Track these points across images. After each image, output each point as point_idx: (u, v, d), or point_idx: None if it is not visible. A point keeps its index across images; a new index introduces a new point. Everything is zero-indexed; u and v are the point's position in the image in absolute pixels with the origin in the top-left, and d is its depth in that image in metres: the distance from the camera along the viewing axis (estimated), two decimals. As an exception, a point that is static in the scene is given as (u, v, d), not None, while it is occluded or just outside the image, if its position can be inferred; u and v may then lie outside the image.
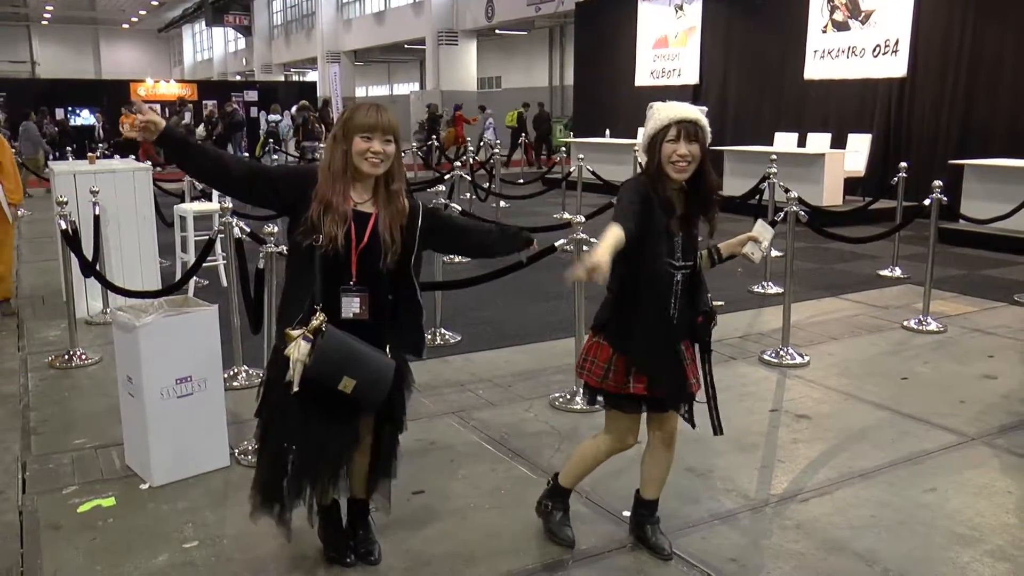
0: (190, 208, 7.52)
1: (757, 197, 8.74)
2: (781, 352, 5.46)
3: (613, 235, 2.58)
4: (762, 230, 3.01)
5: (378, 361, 2.76)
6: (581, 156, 11.35)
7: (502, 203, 12.14)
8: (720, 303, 6.95)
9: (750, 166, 11.89)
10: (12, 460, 4.12)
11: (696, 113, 2.84)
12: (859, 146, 12.07)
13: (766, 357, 5.47)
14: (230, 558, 3.17)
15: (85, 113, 21.48)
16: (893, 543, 3.24)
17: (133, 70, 41.98)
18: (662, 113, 2.83)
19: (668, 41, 16.69)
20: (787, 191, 5.74)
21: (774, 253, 8.73)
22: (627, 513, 3.47)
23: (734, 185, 11.96)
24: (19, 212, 6.79)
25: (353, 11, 35.78)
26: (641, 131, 3.01)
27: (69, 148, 13.01)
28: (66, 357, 5.53)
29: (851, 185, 11.85)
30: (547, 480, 3.42)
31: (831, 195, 11.28)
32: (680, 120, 2.78)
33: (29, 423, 4.59)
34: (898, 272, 8.04)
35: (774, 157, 8.72)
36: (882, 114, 12.50)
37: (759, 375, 5.24)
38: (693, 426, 3.10)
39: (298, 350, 2.65)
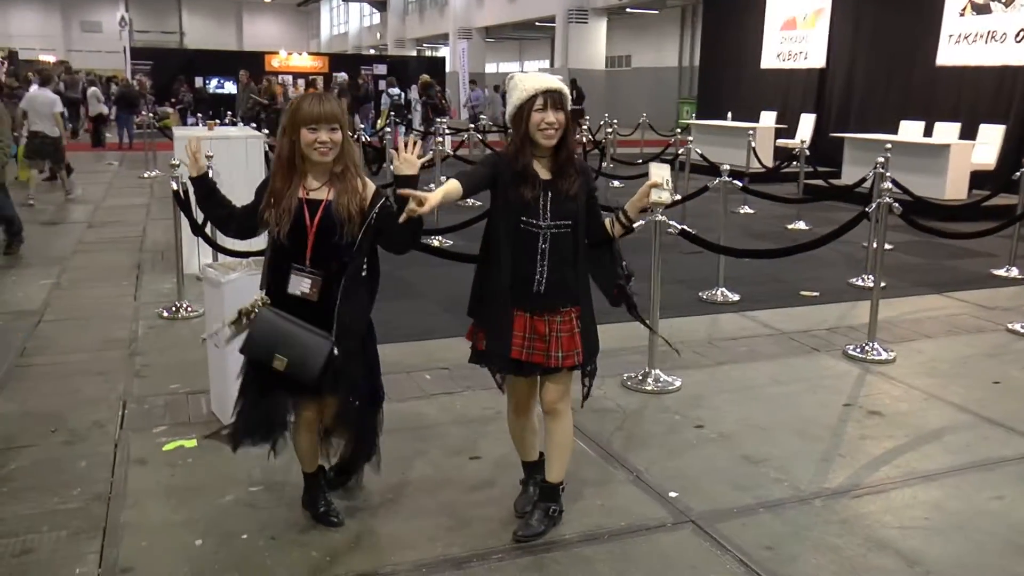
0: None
1: (870, 188, 8.39)
2: (866, 347, 5.29)
3: (449, 184, 2.86)
4: (657, 170, 2.98)
5: (310, 340, 2.85)
6: (691, 138, 11.21)
7: (615, 183, 12.05)
8: (815, 294, 6.81)
9: (871, 155, 11.37)
10: (116, 398, 4.51)
11: (559, 83, 2.93)
12: (991, 137, 11.36)
13: (850, 351, 5.31)
14: (290, 504, 3.38)
15: (228, 84, 22.63)
16: (943, 547, 3.14)
17: (272, 43, 43.69)
18: (527, 83, 2.91)
19: (796, 23, 16.12)
20: (885, 181, 5.51)
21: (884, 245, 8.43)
22: (674, 494, 3.52)
23: (853, 174, 11.50)
24: None
25: (487, -13, 36.03)
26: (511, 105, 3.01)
27: (199, 115, 13.77)
28: (174, 308, 5.96)
29: (979, 179, 11.18)
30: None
31: (955, 188, 10.68)
32: (546, 90, 2.88)
33: (134, 367, 5.00)
34: (1015, 272, 7.56)
35: (889, 146, 8.35)
36: (1020, 104, 11.71)
37: (840, 369, 5.10)
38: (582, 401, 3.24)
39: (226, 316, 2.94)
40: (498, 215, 3.00)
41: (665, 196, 3.00)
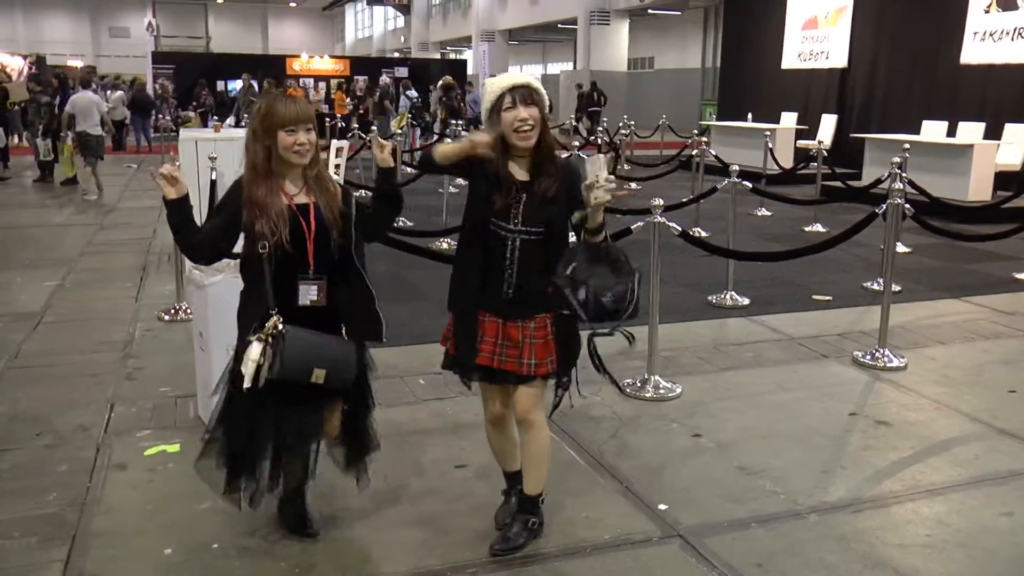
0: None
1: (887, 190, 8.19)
2: (876, 353, 5.10)
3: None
4: (591, 168, 2.66)
5: (340, 345, 2.87)
6: (705, 140, 11.02)
7: (633, 184, 11.88)
8: (828, 298, 6.62)
9: (893, 155, 11.13)
10: (104, 401, 4.45)
11: (528, 78, 2.77)
12: (1016, 137, 11.04)
13: (859, 358, 5.13)
14: (266, 513, 3.27)
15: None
16: (943, 565, 2.98)
17: (297, 47, 43.97)
18: (493, 85, 2.79)
19: (818, 22, 15.85)
20: (898, 181, 5.33)
21: (901, 248, 8.22)
22: (663, 506, 3.38)
23: (875, 175, 11.24)
24: None
25: (509, -10, 36.01)
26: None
27: (215, 117, 13.81)
28: (173, 311, 5.90)
29: (1005, 180, 10.86)
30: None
31: (978, 190, 10.39)
32: (513, 87, 2.73)
33: (127, 369, 4.94)
34: (1038, 276, 7.33)
35: (907, 146, 8.13)
36: (1048, 103, 11.39)
37: (848, 376, 4.92)
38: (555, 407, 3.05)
39: (251, 350, 2.73)
40: (471, 211, 2.88)
41: (602, 195, 2.64)
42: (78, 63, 32.60)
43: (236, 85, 20.38)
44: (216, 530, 3.18)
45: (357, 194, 3.18)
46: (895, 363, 5.03)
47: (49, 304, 6.32)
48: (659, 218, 4.55)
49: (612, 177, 2.66)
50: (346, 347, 2.89)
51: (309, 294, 2.86)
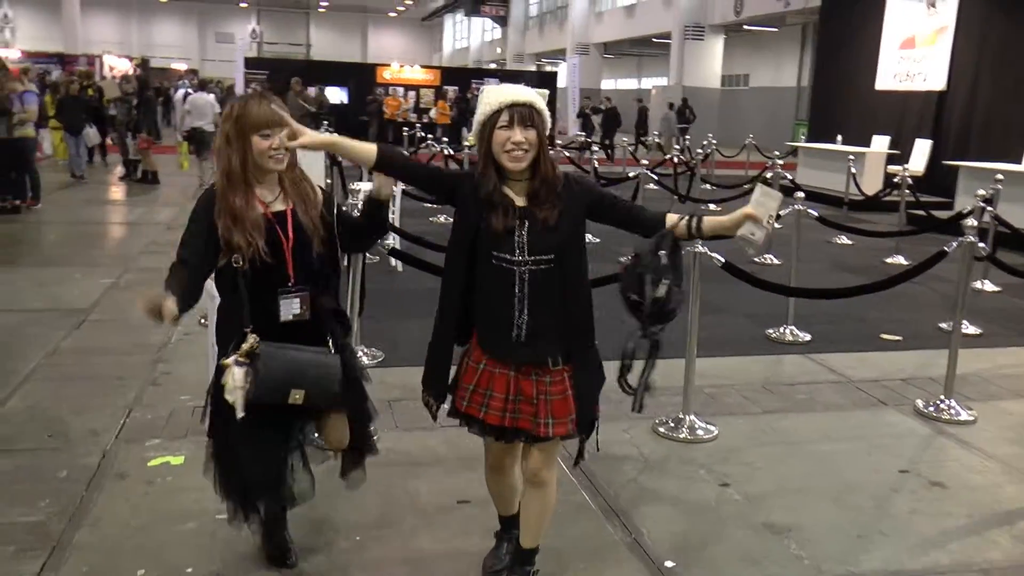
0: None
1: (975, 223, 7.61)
2: (941, 403, 4.65)
3: (366, 145, 2.62)
4: (764, 200, 2.32)
5: (318, 362, 2.67)
6: (781, 161, 10.50)
7: (711, 206, 11.47)
8: (897, 338, 6.14)
9: (986, 185, 10.42)
10: (123, 406, 4.41)
11: (531, 96, 2.48)
12: None
13: (922, 407, 4.69)
14: (249, 538, 3.12)
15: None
16: (981, 662, 2.60)
17: (396, 56, 44.70)
18: (492, 96, 2.48)
19: (916, 42, 15.05)
20: (984, 215, 4.87)
21: (989, 287, 7.64)
22: (670, 564, 3.09)
23: (967, 205, 10.56)
24: None
25: (605, 3, 35.84)
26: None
27: (325, 123, 14.15)
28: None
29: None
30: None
31: (1085, 227, 9.61)
32: (513, 103, 2.44)
33: (154, 374, 4.91)
34: None
35: (1000, 176, 7.54)
36: None
37: (905, 427, 4.50)
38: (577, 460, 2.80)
39: (233, 378, 2.55)
40: (457, 238, 2.59)
41: (759, 235, 2.32)
42: (183, 66, 33.86)
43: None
44: (194, 554, 3.06)
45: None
46: (962, 416, 4.57)
47: (98, 302, 6.39)
48: (701, 248, 4.25)
49: (777, 217, 2.33)
50: (327, 363, 2.70)
51: (292, 308, 2.70)
